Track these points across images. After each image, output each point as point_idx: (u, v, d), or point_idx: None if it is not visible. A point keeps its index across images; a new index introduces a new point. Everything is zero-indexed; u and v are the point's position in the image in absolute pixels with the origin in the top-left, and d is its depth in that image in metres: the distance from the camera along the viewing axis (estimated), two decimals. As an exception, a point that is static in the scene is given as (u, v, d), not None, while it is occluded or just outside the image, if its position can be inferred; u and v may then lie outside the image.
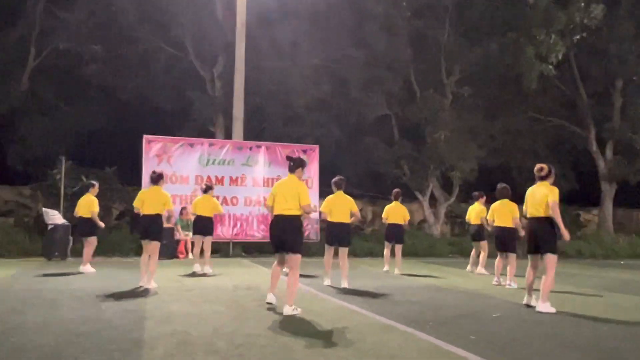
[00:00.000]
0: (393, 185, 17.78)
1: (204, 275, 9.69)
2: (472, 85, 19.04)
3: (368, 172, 20.11)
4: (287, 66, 18.32)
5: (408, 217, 10.77)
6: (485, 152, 19.16)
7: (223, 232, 14.27)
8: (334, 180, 8.50)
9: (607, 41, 19.11)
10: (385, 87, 18.41)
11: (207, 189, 10.23)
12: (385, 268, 10.69)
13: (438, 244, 17.07)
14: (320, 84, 18.58)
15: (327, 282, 8.33)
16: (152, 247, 7.88)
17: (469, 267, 11.31)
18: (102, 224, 10.05)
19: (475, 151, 18.31)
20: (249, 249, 14.98)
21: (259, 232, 14.46)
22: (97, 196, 10.05)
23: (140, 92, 18.30)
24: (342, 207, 8.25)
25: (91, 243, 9.86)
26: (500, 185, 9.03)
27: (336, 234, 8.23)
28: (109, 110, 18.60)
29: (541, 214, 6.35)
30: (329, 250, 8.35)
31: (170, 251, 13.06)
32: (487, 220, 9.40)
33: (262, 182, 14.58)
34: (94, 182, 10.39)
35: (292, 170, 6.11)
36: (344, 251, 8.30)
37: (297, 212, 5.88)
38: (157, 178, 8.11)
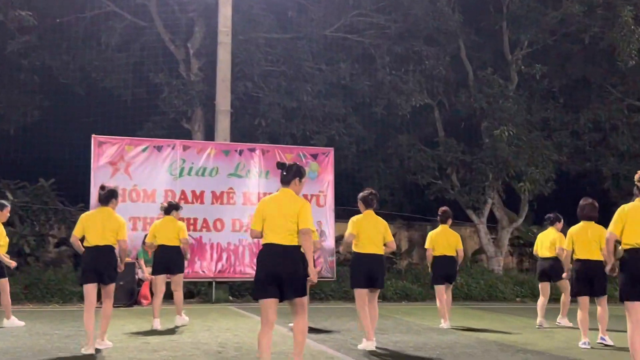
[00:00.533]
0: (437, 203, 17.79)
1: (175, 328, 9.75)
2: (547, 62, 18.95)
3: (402, 183, 20.07)
4: (290, 39, 18.34)
5: (461, 247, 10.70)
6: (565, 155, 19.02)
7: (203, 268, 14.34)
8: (362, 195, 8.52)
9: None
10: (425, 67, 18.43)
11: (170, 209, 10.33)
12: (443, 324, 10.49)
13: (500, 284, 17.09)
14: (335, 63, 18.53)
15: (370, 345, 7.95)
16: (104, 292, 7.83)
17: (558, 319, 11.22)
18: (12, 263, 10.01)
19: (552, 153, 18.28)
20: (239, 292, 15.05)
21: (252, 268, 14.40)
22: (13, 221, 10.04)
23: (87, 75, 18.33)
24: (373, 233, 8.18)
25: (2, 288, 9.82)
26: (584, 202, 8.87)
27: (367, 271, 8.14)
28: (43, 99, 18.66)
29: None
30: (360, 295, 8.12)
31: (129, 295, 13.15)
32: (566, 250, 9.04)
33: (256, 198, 14.62)
34: (4, 202, 10.34)
35: (285, 181, 6.15)
36: (375, 294, 8.28)
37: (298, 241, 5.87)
38: (107, 196, 8.01)
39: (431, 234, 10.73)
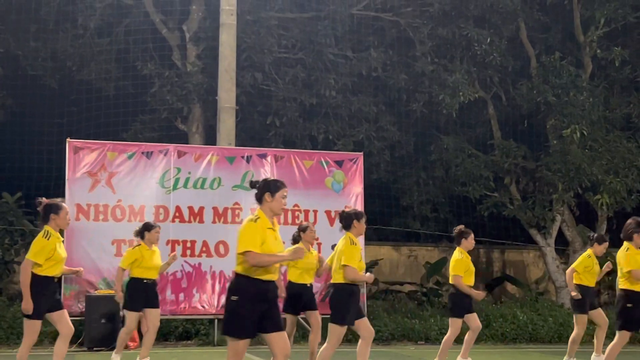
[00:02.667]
0: (492, 220, 17.70)
1: None
2: (628, 44, 18.93)
3: (448, 197, 20.06)
4: (309, 19, 18.38)
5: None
6: None
7: (203, 302, 14.30)
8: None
9: None
10: (475, 52, 18.38)
11: (145, 230, 10.67)
12: None
13: (572, 321, 16.65)
14: (364, 50, 18.49)
15: None
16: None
17: None
18: None
19: (636, 158, 18.16)
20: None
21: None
22: None
23: (61, 65, 18.43)
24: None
25: None
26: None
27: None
28: (7, 96, 18.81)
29: None
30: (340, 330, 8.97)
31: (110, 336, 12.99)
32: None
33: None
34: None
35: (257, 200, 6.82)
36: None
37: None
38: (45, 211, 8.37)
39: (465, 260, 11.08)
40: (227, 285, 6.84)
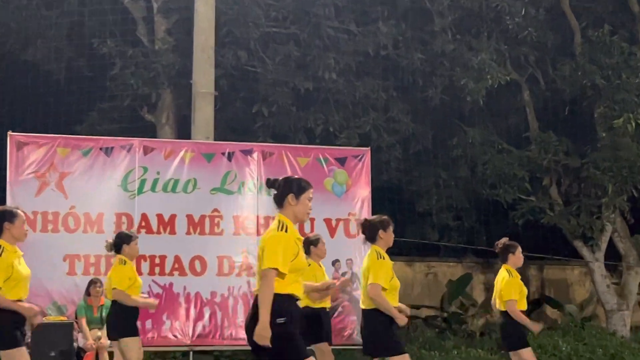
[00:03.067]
0: (528, 230, 17.64)
1: None
2: None
3: (474, 201, 20.22)
4: None
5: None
6: None
7: (175, 330, 14.28)
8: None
9: None
10: (507, 27, 18.51)
11: (123, 242, 10.79)
12: None
13: (627, 353, 16.91)
14: (370, 23, 18.61)
15: None
16: None
17: None
18: None
19: None
20: None
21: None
22: None
23: (2, 42, 18.61)
24: None
25: None
26: None
27: None
28: None
29: None
30: None
31: None
32: None
33: (254, 225, 14.70)
34: None
35: (277, 203, 6.82)
36: None
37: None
38: None
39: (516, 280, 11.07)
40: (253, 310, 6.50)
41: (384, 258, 8.84)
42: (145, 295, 11.76)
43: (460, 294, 19.52)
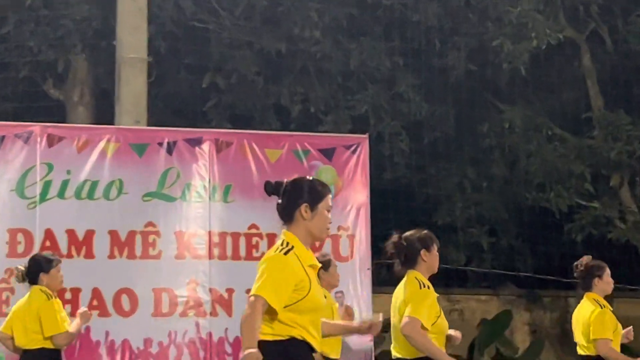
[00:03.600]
0: (591, 248, 17.63)
1: None
2: None
3: (514, 209, 20.31)
4: None
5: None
6: None
7: None
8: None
9: None
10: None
11: (40, 270, 10.93)
12: None
13: None
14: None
15: None
16: None
17: None
18: None
19: None
20: None
21: None
22: None
23: None
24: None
25: None
26: None
27: None
28: None
29: None
30: None
31: None
32: None
33: (206, 243, 14.52)
34: None
35: (282, 215, 6.53)
36: None
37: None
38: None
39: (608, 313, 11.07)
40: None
41: (427, 287, 8.42)
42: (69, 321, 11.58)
43: (497, 338, 19.35)
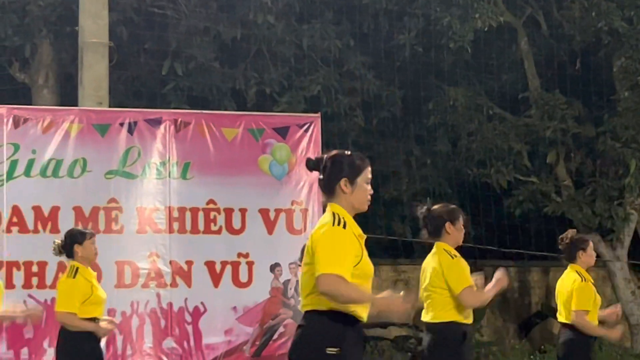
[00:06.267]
0: (529, 222, 17.60)
1: None
2: None
3: (457, 184, 20.58)
4: None
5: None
6: None
7: None
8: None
9: None
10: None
11: (75, 242, 10.95)
12: None
13: None
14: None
15: None
16: None
17: None
18: None
19: None
20: None
21: (158, 356, 14.85)
22: None
23: None
24: None
25: None
26: None
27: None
28: None
29: None
30: None
31: None
32: None
33: (166, 218, 14.80)
34: None
35: (325, 191, 6.58)
36: None
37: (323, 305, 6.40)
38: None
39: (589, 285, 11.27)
40: (300, 332, 6.46)
41: (457, 257, 8.87)
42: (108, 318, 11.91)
43: (440, 307, 19.31)
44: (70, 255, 10.98)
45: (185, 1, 17.95)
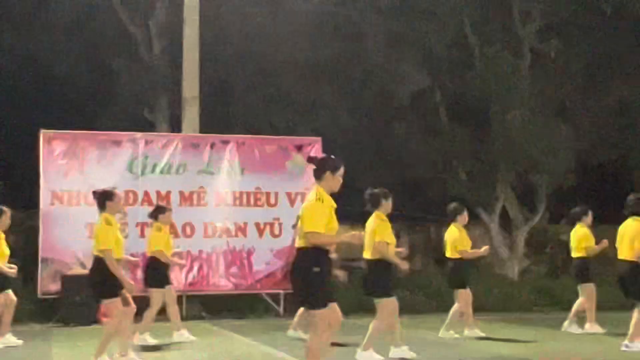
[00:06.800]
0: (442, 201, 17.72)
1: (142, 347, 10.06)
2: (563, 37, 18.98)
3: (400, 179, 19.71)
4: (269, 13, 18.23)
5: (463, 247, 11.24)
6: (587, 143, 18.94)
7: (172, 279, 14.14)
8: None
9: None
10: (424, 44, 18.45)
11: (159, 213, 11.13)
12: (466, 332, 11.28)
13: (516, 291, 17.02)
14: (320, 42, 18.40)
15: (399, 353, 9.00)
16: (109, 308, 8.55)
17: (568, 325, 11.86)
18: (10, 271, 10.63)
19: (572, 140, 18.32)
20: (213, 307, 15.08)
21: (228, 279, 14.73)
22: None
23: (33, 58, 18.40)
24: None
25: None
26: (633, 197, 9.77)
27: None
28: None
29: None
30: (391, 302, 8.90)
31: (89, 313, 13.16)
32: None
33: (231, 199, 14.79)
34: (2, 208, 10.84)
35: (316, 177, 6.70)
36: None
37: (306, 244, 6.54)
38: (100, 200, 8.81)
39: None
40: (297, 259, 6.62)
41: (385, 221, 8.84)
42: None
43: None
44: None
45: (242, 72, 17.61)
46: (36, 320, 13.57)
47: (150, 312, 10.59)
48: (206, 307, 14.99)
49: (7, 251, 10.63)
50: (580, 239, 11.55)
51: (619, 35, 19.65)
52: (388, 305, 8.63)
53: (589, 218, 11.64)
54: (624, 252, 9.41)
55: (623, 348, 9.40)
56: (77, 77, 18.54)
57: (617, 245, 9.59)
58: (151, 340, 10.55)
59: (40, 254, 13.74)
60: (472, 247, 11.47)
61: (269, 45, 18.13)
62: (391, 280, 8.87)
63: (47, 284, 13.63)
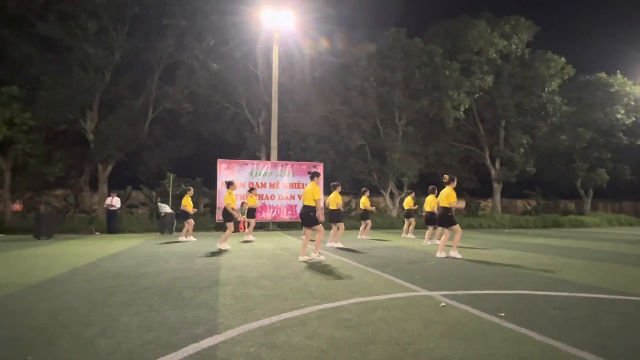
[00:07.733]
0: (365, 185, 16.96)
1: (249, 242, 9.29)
2: (414, 125, 18.15)
3: (352, 179, 18.46)
4: (302, 116, 17.21)
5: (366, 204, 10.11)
6: (422, 166, 18.20)
7: (265, 215, 13.41)
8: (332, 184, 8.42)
9: (494, 97, 19.09)
10: (361, 128, 17.54)
11: (250, 190, 10.16)
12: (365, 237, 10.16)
13: (395, 222, 15.81)
14: (323, 127, 17.36)
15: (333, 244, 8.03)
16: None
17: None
18: (192, 211, 9.55)
19: (417, 165, 17.40)
20: (282, 226, 14.15)
21: (287, 216, 13.68)
22: (192, 197, 9.72)
23: (214, 132, 17.56)
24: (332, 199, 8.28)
25: (190, 223, 9.59)
26: (431, 187, 8.92)
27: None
28: (196, 143, 18.01)
29: (443, 204, 6.71)
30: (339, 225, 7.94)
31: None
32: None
33: (289, 185, 13.84)
34: (190, 187, 10.04)
35: (311, 179, 6.22)
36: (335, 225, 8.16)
37: (312, 204, 5.97)
38: (228, 185, 7.86)
39: (362, 200, 9.98)
40: (303, 210, 5.80)
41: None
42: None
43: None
44: (250, 191, 9.35)
45: (294, 139, 15.90)
46: (217, 231, 12.33)
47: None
48: (279, 226, 13.90)
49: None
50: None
51: (435, 125, 17.73)
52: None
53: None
54: None
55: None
56: (231, 139, 17.44)
57: None
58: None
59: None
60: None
61: (303, 128, 16.69)
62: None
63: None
